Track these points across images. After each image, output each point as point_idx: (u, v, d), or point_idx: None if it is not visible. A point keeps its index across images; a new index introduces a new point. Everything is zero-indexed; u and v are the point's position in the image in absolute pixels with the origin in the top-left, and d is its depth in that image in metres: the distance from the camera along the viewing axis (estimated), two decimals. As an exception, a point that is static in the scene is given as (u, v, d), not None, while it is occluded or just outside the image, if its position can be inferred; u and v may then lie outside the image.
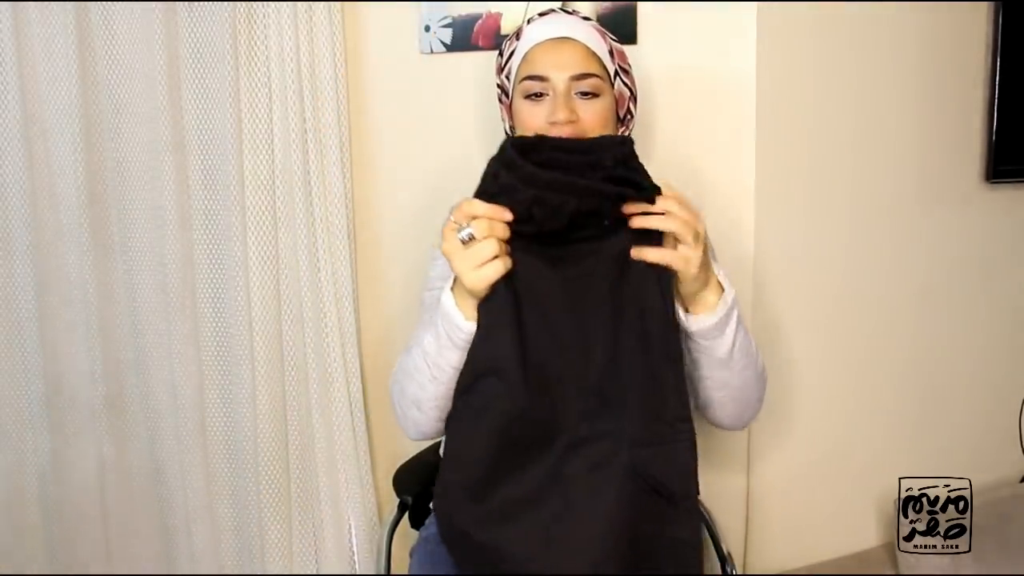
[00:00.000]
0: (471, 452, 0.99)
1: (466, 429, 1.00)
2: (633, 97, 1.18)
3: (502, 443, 0.97)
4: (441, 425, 1.09)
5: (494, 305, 0.96)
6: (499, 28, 1.44)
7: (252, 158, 1.50)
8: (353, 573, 1.59)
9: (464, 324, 0.99)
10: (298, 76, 1.46)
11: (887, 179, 1.52)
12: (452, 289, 1.01)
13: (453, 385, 1.04)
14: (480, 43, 1.45)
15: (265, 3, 1.46)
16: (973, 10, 1.55)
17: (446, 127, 1.51)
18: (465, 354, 1.01)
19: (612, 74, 1.15)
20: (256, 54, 1.48)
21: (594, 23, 1.17)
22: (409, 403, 1.09)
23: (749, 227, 1.40)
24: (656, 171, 1.39)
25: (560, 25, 1.14)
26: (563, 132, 1.11)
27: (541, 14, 1.18)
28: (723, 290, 1.01)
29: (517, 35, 1.17)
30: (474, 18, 1.45)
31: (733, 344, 1.02)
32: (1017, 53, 1.55)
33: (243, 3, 1.46)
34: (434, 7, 1.46)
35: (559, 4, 1.40)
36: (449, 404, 1.06)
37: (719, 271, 1.03)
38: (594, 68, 1.12)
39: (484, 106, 1.45)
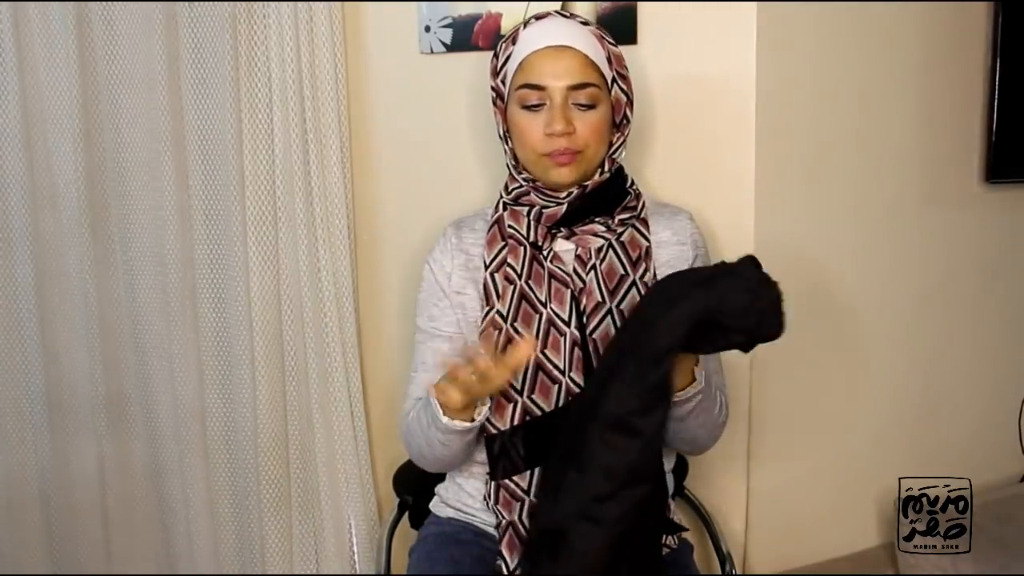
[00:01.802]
0: (596, 557, 0.99)
1: (596, 536, 0.99)
2: (630, 102, 1.17)
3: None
4: (448, 470, 1.23)
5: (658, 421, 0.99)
6: (499, 28, 1.44)
7: (252, 158, 1.50)
8: (353, 573, 1.59)
9: (443, 419, 1.08)
10: (298, 76, 1.46)
11: (887, 179, 1.52)
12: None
13: (446, 454, 1.13)
14: (480, 43, 1.45)
15: (265, 3, 1.46)
16: (973, 10, 1.55)
17: (446, 127, 1.51)
18: (451, 436, 1.09)
19: (610, 81, 1.14)
20: (256, 54, 1.48)
21: (592, 28, 1.15)
22: (416, 453, 1.20)
23: (749, 227, 1.40)
24: (656, 171, 1.41)
25: (559, 32, 1.12)
26: (559, 144, 1.11)
27: (538, 17, 1.16)
28: (693, 380, 1.07)
29: (513, 39, 1.15)
30: (474, 18, 1.45)
31: (688, 415, 1.09)
32: (1017, 53, 1.54)
33: (243, 3, 1.46)
34: (434, 7, 1.46)
35: (558, 6, 1.39)
36: (449, 464, 1.18)
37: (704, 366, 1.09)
38: (592, 77, 1.11)
39: (484, 106, 1.44)
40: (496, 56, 1.18)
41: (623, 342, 1.02)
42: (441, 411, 1.07)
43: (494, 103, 1.20)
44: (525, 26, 1.15)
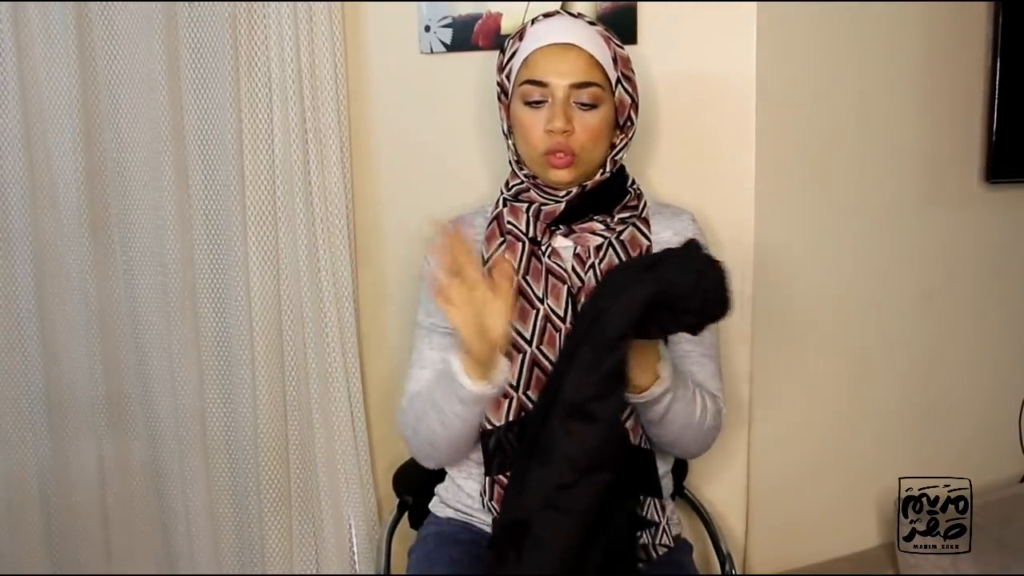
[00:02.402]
0: (563, 547, 0.99)
1: (562, 525, 0.99)
2: (634, 104, 1.17)
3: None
4: (456, 457, 1.19)
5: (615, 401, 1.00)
6: (499, 28, 1.44)
7: (252, 158, 1.50)
8: (353, 573, 1.59)
9: (466, 381, 1.06)
10: (298, 76, 1.46)
11: (887, 179, 1.52)
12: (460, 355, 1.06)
13: (463, 430, 1.11)
14: (480, 43, 1.45)
15: (265, 3, 1.46)
16: (973, 10, 1.55)
17: (446, 127, 1.51)
18: (471, 407, 1.08)
19: (614, 82, 1.14)
20: (256, 54, 1.48)
21: (600, 28, 1.15)
22: (423, 442, 1.16)
23: (749, 227, 1.40)
24: (656, 171, 1.41)
25: (565, 30, 1.13)
26: (558, 141, 1.11)
27: (546, 15, 1.16)
28: (656, 378, 1.06)
29: (520, 35, 1.16)
30: (474, 18, 1.45)
31: (664, 414, 1.09)
32: (1017, 53, 1.55)
33: (243, 3, 1.46)
34: (434, 7, 1.46)
35: (558, 6, 1.39)
36: (463, 445, 1.15)
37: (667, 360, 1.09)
38: (596, 77, 1.11)
39: (484, 106, 1.45)
40: (503, 52, 1.18)
41: (578, 331, 1.02)
42: (465, 376, 1.05)
43: (499, 99, 1.20)
44: (532, 23, 1.16)
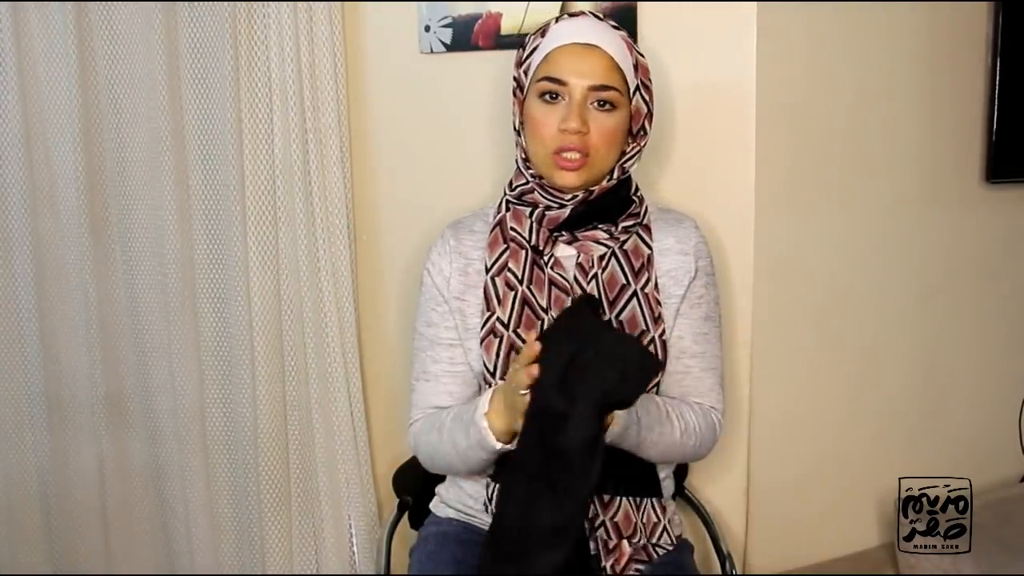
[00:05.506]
0: None
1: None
2: (650, 114, 1.16)
3: None
4: (471, 476, 1.19)
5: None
6: (499, 28, 1.44)
7: (252, 158, 1.50)
8: (353, 573, 1.59)
9: (496, 445, 1.06)
10: (298, 76, 1.46)
11: (887, 179, 1.52)
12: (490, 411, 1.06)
13: (484, 466, 1.13)
14: (480, 43, 1.45)
15: (265, 3, 1.46)
16: (973, 10, 1.55)
17: (446, 127, 1.51)
18: (495, 455, 1.09)
19: (632, 89, 1.13)
20: (256, 54, 1.48)
21: (623, 34, 1.14)
22: (440, 467, 1.20)
23: (749, 227, 1.40)
24: (656, 171, 1.41)
25: (590, 31, 1.11)
26: (570, 141, 1.10)
27: (571, 15, 1.15)
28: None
29: (543, 32, 1.14)
30: (474, 18, 1.45)
31: (636, 448, 1.10)
32: (1017, 53, 1.55)
33: (243, 3, 1.46)
34: (434, 7, 1.46)
35: (558, 7, 1.39)
36: (480, 472, 1.15)
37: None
38: (615, 81, 1.10)
39: (484, 106, 1.45)
40: (523, 47, 1.17)
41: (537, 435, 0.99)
42: (493, 437, 1.05)
43: (514, 93, 1.18)
44: (556, 21, 1.15)
